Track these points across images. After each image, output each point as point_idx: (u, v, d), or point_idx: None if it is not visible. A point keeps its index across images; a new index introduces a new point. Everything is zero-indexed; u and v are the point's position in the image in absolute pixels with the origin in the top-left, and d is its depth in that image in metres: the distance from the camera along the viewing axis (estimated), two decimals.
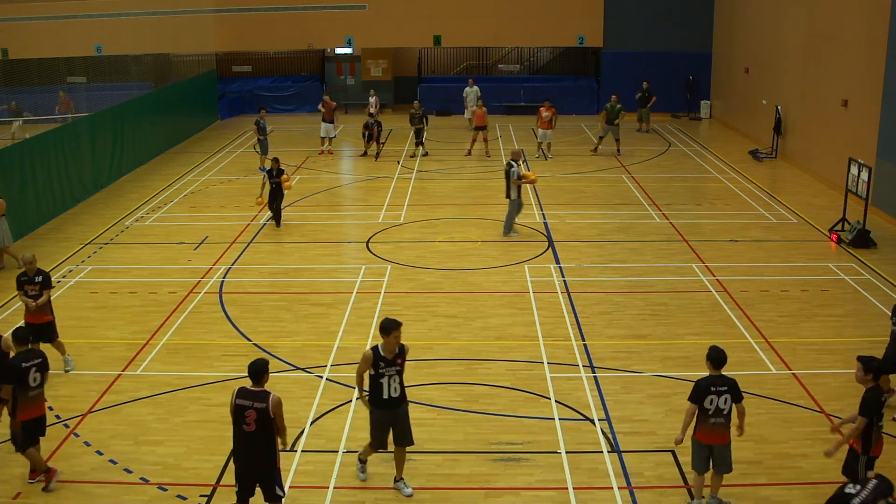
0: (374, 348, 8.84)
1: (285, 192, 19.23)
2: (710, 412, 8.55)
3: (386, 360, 8.81)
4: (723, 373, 8.64)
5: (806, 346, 12.83)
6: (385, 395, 8.86)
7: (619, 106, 26.14)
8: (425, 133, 26.71)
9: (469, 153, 26.52)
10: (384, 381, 8.82)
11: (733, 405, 8.58)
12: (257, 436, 8.00)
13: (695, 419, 8.67)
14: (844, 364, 12.08)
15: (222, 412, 10.71)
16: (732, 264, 16.44)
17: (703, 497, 8.87)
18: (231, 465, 9.63)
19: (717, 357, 8.61)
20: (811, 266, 16.39)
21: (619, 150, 26.46)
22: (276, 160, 19.25)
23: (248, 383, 8.15)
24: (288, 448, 8.31)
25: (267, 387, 8.14)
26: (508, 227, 18.25)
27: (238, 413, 8.02)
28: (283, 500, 8.41)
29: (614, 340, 13.14)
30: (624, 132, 30.02)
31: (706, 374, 8.68)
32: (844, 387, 11.47)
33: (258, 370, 8.10)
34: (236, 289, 15.47)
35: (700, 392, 8.56)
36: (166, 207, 21.01)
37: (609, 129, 26.22)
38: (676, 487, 9.28)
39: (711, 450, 8.68)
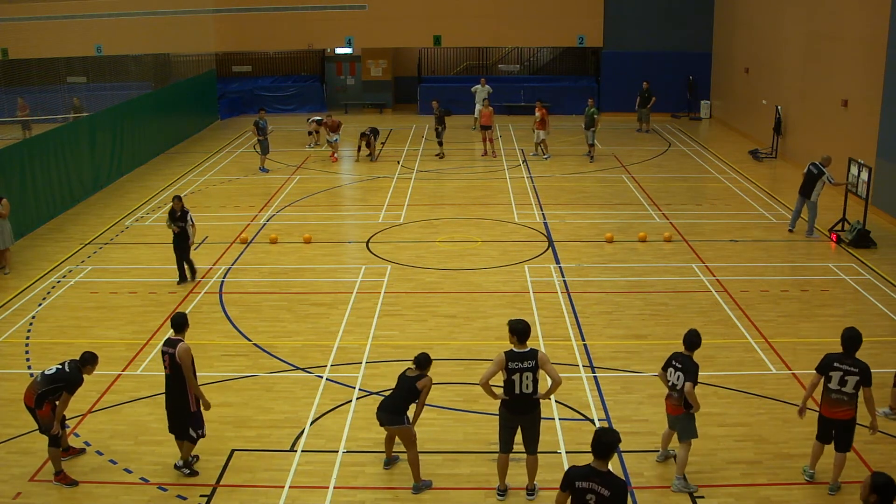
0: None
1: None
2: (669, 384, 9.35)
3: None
4: (686, 353, 9.27)
5: (806, 346, 12.82)
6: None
7: (593, 109, 25.53)
8: (444, 134, 26.69)
9: (485, 153, 26.46)
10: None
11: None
12: (172, 379, 9.32)
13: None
14: None
15: (223, 412, 10.74)
16: (732, 264, 16.44)
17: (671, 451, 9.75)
18: (231, 462, 9.87)
19: (691, 340, 9.27)
20: (811, 266, 16.39)
21: (591, 155, 25.67)
22: (177, 199, 15.54)
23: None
24: (208, 408, 9.51)
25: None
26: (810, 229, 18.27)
27: (162, 358, 9.35)
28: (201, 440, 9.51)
29: (614, 340, 13.14)
30: (624, 132, 30.15)
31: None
32: None
33: (179, 322, 9.42)
34: (236, 289, 15.47)
35: (665, 368, 9.46)
36: (166, 207, 20.97)
37: (585, 133, 25.80)
38: None
39: (677, 420, 9.35)
